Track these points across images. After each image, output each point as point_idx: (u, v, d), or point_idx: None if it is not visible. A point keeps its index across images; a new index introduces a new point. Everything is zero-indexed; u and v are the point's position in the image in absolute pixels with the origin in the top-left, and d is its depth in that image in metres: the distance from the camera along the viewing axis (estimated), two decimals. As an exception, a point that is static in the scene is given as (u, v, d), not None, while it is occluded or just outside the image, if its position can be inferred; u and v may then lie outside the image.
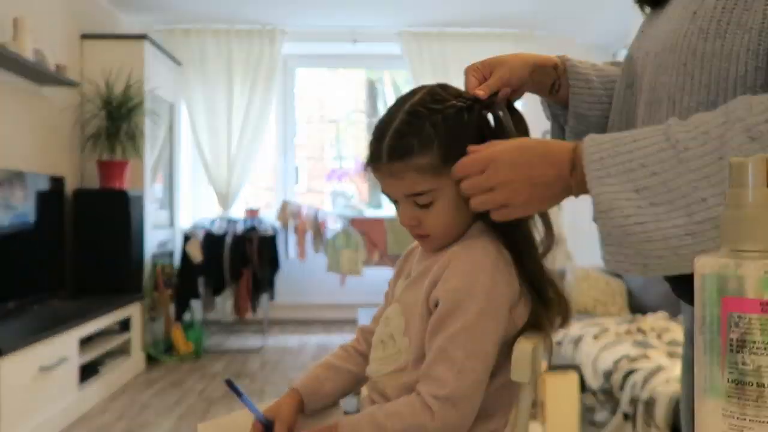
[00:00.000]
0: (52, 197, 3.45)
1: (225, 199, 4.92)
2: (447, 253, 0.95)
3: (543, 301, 0.94)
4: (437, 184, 0.90)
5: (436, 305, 0.92)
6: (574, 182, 0.75)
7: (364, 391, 1.08)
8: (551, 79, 0.98)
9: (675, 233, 0.66)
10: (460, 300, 0.89)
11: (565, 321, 0.98)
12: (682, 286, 0.83)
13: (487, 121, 0.94)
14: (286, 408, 1.04)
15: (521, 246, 0.94)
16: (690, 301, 0.85)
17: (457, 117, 0.91)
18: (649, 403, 2.18)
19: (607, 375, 2.51)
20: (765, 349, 0.35)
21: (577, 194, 0.76)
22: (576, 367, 2.29)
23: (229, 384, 1.05)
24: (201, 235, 4.40)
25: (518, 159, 0.78)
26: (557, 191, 0.76)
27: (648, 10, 0.90)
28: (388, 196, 0.97)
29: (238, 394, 1.02)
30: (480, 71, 0.94)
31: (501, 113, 0.93)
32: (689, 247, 0.66)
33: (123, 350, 3.65)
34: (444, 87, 0.97)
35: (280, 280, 4.99)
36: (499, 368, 0.94)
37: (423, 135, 0.89)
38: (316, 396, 1.07)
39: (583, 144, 0.73)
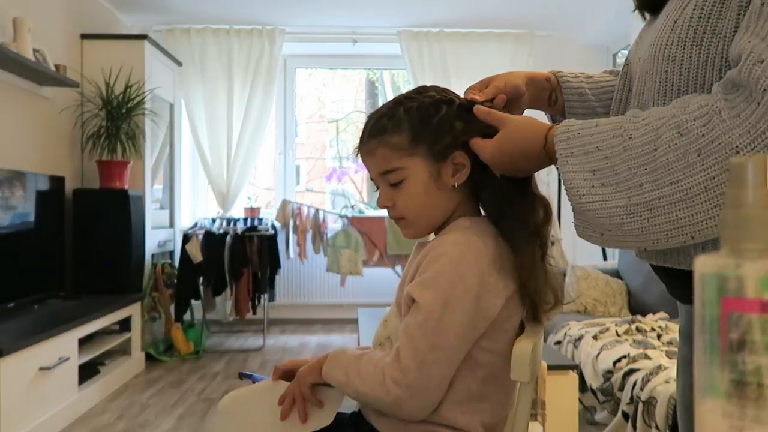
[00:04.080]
0: (52, 197, 3.45)
1: (225, 199, 4.92)
2: (427, 247, 0.98)
3: (530, 293, 0.95)
4: (406, 163, 0.98)
5: (410, 299, 0.95)
6: (547, 155, 0.84)
7: None
8: (547, 92, 1.05)
9: (617, 212, 0.75)
10: (425, 289, 0.92)
11: (555, 307, 0.99)
12: (677, 286, 0.85)
13: (477, 121, 0.97)
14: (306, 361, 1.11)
15: (510, 238, 0.95)
16: (685, 300, 0.88)
17: (433, 106, 0.99)
18: (649, 403, 2.18)
19: (607, 375, 2.51)
20: (765, 349, 0.35)
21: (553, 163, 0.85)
22: (576, 367, 2.29)
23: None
24: (201, 235, 4.40)
25: (503, 161, 0.91)
26: (537, 167, 0.90)
27: (648, 16, 0.92)
28: (373, 181, 1.06)
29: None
30: (477, 87, 1.01)
31: None
32: (629, 224, 0.74)
33: (123, 350, 3.65)
34: (436, 87, 1.04)
35: (280, 280, 4.99)
36: (479, 363, 0.94)
37: (395, 117, 0.99)
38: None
39: (556, 126, 0.82)
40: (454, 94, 1.02)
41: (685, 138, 0.69)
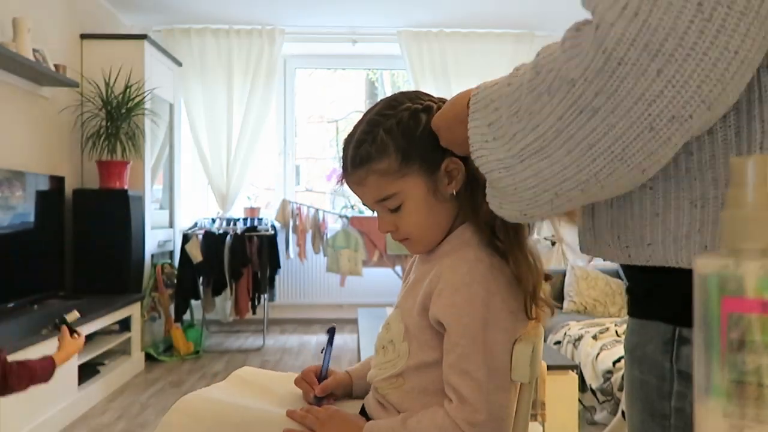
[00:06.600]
0: (52, 197, 3.45)
1: (225, 199, 4.92)
2: (440, 262, 0.95)
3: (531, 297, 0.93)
4: (401, 186, 0.93)
5: (438, 323, 0.92)
6: None
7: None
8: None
9: (496, 166, 0.68)
10: (461, 315, 0.89)
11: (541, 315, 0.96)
12: (632, 297, 0.77)
13: None
14: (341, 376, 1.15)
15: (511, 243, 0.93)
16: (633, 313, 0.76)
17: (412, 119, 0.93)
18: (649, 403, 2.18)
19: (607, 375, 2.51)
20: (765, 349, 0.35)
21: None
22: (576, 367, 2.29)
23: (331, 332, 1.19)
24: (201, 235, 4.40)
25: (443, 133, 0.86)
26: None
27: None
28: (369, 207, 1.01)
29: (330, 343, 1.18)
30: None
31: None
32: (504, 179, 0.67)
33: (123, 350, 3.65)
34: (408, 94, 0.99)
35: (280, 280, 4.99)
36: None
37: (378, 141, 0.93)
38: (363, 380, 1.10)
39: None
40: (428, 97, 0.97)
41: (540, 76, 0.62)
